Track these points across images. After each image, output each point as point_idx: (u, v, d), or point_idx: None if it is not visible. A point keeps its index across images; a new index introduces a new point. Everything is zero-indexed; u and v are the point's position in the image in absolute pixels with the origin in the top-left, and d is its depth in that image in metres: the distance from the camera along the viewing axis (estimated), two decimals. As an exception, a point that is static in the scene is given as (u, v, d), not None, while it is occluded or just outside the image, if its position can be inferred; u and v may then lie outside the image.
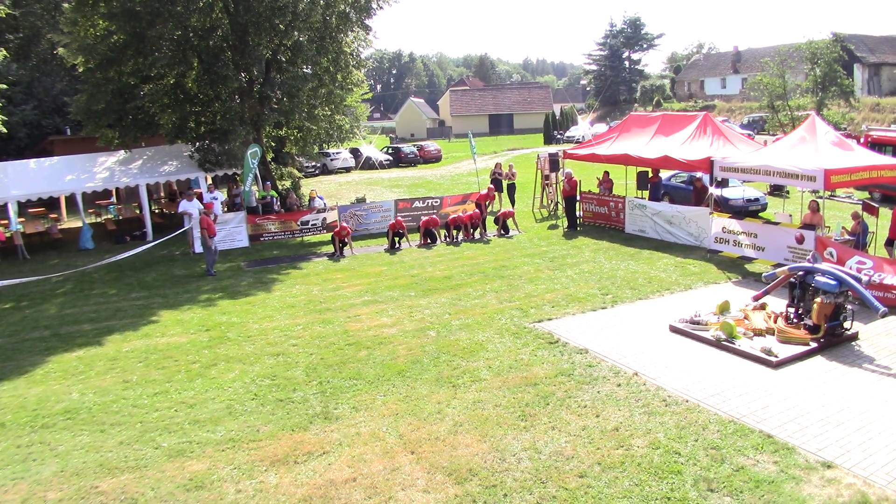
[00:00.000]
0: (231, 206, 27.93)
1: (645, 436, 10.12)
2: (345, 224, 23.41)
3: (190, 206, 24.45)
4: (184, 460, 9.93)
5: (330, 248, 24.17)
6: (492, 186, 28.63)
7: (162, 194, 35.71)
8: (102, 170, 28.08)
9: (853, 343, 13.80)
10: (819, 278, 13.64)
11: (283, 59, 28.29)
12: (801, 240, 18.42)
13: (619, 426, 10.43)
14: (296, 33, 27.72)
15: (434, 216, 25.49)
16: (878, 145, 29.87)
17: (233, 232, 25.01)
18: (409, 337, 14.72)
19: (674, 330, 14.45)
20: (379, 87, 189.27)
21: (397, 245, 24.13)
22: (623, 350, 13.51)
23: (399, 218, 25.28)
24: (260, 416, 11.23)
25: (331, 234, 24.89)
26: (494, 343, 14.13)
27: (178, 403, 11.91)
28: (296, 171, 36.73)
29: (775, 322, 14.12)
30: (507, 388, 11.93)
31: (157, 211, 33.33)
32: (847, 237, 18.61)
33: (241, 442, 10.39)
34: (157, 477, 9.51)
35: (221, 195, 27.63)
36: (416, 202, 27.81)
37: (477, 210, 25.80)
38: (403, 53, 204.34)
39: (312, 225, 26.47)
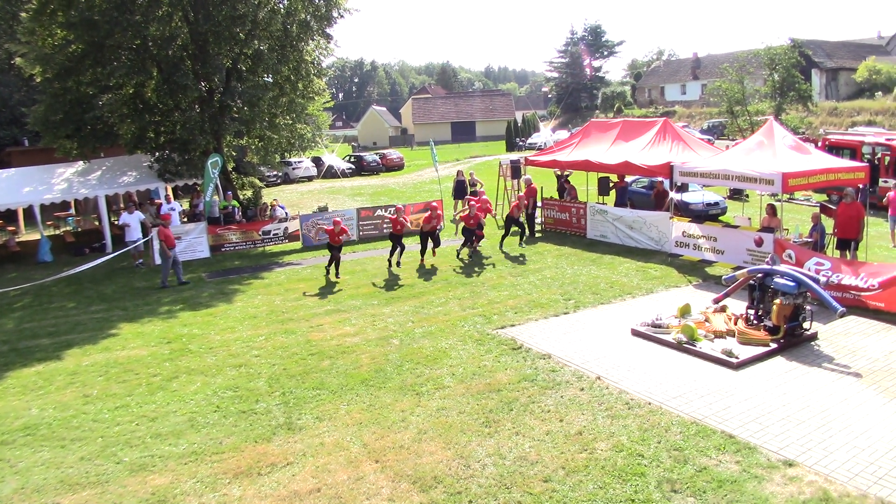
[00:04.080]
0: (192, 216, 27.67)
1: (608, 439, 10.17)
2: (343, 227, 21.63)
3: (131, 219, 24.22)
4: (146, 475, 9.80)
5: (294, 258, 24.04)
6: (521, 195, 25.55)
7: (122, 205, 35.25)
8: (61, 181, 27.67)
9: (812, 343, 14.00)
10: (778, 280, 13.82)
11: (244, 68, 28.13)
12: (759, 242, 18.64)
13: (583, 430, 10.48)
14: (256, 42, 27.61)
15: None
16: (835, 149, 30.33)
17: (193, 243, 24.77)
18: (373, 346, 14.67)
19: (636, 333, 14.55)
20: (341, 95, 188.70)
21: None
22: (586, 354, 13.58)
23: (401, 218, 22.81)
24: (222, 429, 11.13)
25: (291, 241, 24.76)
26: (458, 350, 14.13)
27: (139, 417, 11.76)
28: (257, 181, 36.52)
29: (736, 324, 14.28)
30: (470, 394, 11.93)
31: (116, 222, 32.87)
32: (805, 239, 18.88)
33: (203, 455, 10.28)
34: (119, 492, 9.38)
35: (179, 206, 27.41)
36: (379, 210, 27.76)
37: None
38: (365, 62, 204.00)
39: (274, 235, 26.33)
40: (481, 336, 14.94)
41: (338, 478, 9.44)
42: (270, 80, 29.00)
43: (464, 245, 23.06)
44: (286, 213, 27.48)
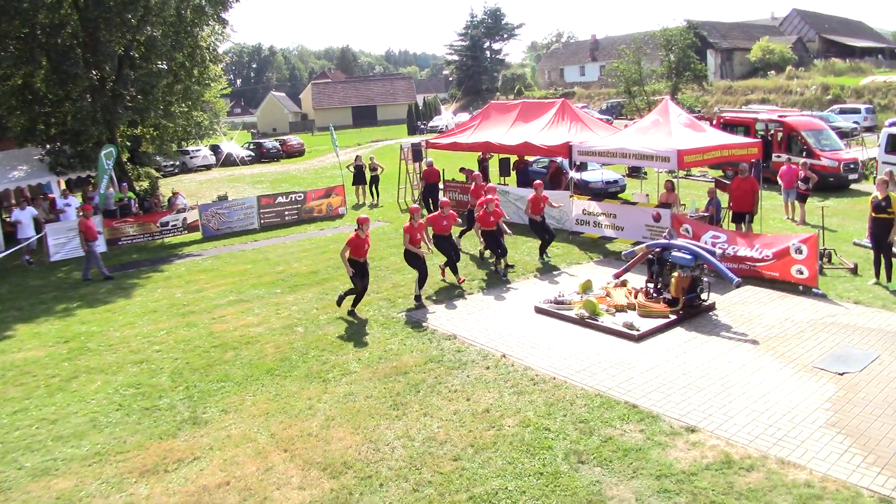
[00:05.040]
0: (87, 210, 26.80)
1: (515, 415, 10.30)
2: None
3: (22, 215, 23.32)
4: (49, 479, 9.45)
5: (194, 249, 23.56)
6: (545, 195, 19.73)
7: (13, 201, 33.90)
8: (-54, 178, 26.48)
9: (711, 313, 14.44)
10: (675, 254, 14.19)
11: (137, 55, 27.27)
12: (657, 218, 19.09)
13: (490, 407, 10.58)
14: (149, 28, 26.79)
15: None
16: (729, 126, 31.35)
17: (89, 237, 24.01)
18: (277, 335, 14.49)
19: (539, 311, 14.75)
20: (239, 81, 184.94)
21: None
22: (491, 333, 13.71)
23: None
24: (126, 427, 10.82)
25: (190, 232, 24.36)
26: (363, 335, 14.09)
27: (39, 420, 11.33)
28: (154, 171, 35.62)
29: (636, 297, 14.60)
30: (377, 378, 11.92)
31: (8, 219, 31.63)
32: (702, 214, 19.43)
33: (107, 455, 9.97)
34: (23, 498, 9.02)
35: (76, 200, 26.49)
36: (280, 198, 27.43)
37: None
38: (263, 47, 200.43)
39: (173, 226, 25.70)
40: (387, 320, 14.92)
41: (246, 470, 9.31)
42: (165, 66, 28.24)
43: (488, 249, 19.44)
44: (185, 204, 26.89)
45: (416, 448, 9.55)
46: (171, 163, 49.52)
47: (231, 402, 11.43)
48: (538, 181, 19.92)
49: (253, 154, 59.38)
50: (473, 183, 22.36)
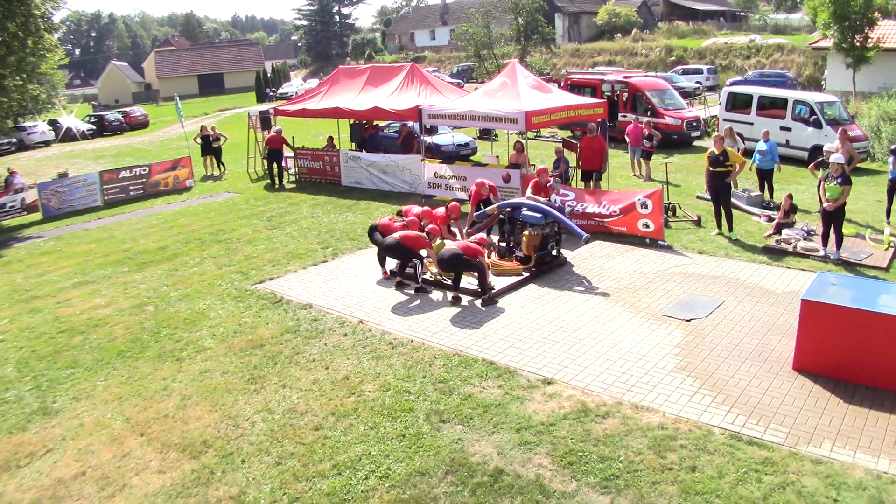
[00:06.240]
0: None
1: (375, 380, 10.28)
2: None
3: None
4: None
5: (34, 231, 22.30)
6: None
7: None
8: None
9: (562, 269, 14.78)
10: (525, 212, 14.45)
11: (-37, 26, 25.45)
12: (507, 179, 19.35)
13: (349, 374, 10.52)
14: (-24, -3, 25.01)
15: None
16: (577, 87, 32.19)
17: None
18: (126, 315, 13.88)
19: (394, 274, 14.71)
20: (78, 51, 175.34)
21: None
22: (347, 301, 13.59)
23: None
24: (-31, 423, 10.19)
25: (30, 213, 23.06)
26: (216, 310, 13.68)
27: None
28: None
29: (489, 257, 14.75)
30: (233, 353, 11.63)
31: None
32: (551, 173, 19.80)
33: (-49, 455, 9.36)
34: None
35: None
36: (124, 172, 26.28)
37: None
38: (103, 14, 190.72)
39: (11, 207, 24.18)
40: (240, 293, 14.55)
41: (103, 458, 8.91)
42: (-4, 37, 26.48)
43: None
44: (23, 183, 25.40)
45: (276, 421, 9.39)
46: (7, 140, 46.62)
47: (82, 389, 10.90)
48: (542, 167, 16.78)
49: (94, 128, 56.57)
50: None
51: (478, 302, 13.15)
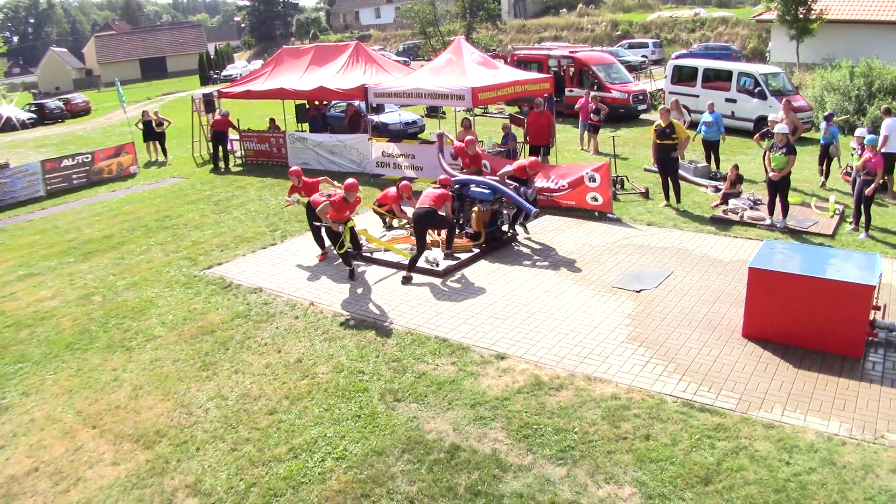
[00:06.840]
0: None
1: (328, 361, 10.24)
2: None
3: None
4: None
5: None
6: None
7: None
8: None
9: (512, 244, 14.83)
10: (474, 189, 14.42)
11: None
12: (455, 156, 19.27)
13: (302, 357, 10.46)
14: None
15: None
16: (523, 63, 32.15)
17: None
18: (73, 306, 13.59)
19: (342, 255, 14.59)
20: (16, 39, 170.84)
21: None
22: (297, 283, 13.51)
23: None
24: (-86, 423, 9.91)
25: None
26: (165, 297, 13.48)
27: None
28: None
29: (439, 235, 14.72)
30: (183, 340, 11.48)
31: None
32: (499, 149, 19.83)
33: None
34: None
35: None
36: (66, 160, 25.70)
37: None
38: (41, 0, 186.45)
39: (-51, 200, 23.61)
40: (188, 279, 14.34)
41: (55, 452, 8.76)
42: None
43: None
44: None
45: (230, 407, 9.32)
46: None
47: (31, 384, 10.67)
48: (535, 158, 16.62)
49: (35, 116, 55.26)
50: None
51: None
